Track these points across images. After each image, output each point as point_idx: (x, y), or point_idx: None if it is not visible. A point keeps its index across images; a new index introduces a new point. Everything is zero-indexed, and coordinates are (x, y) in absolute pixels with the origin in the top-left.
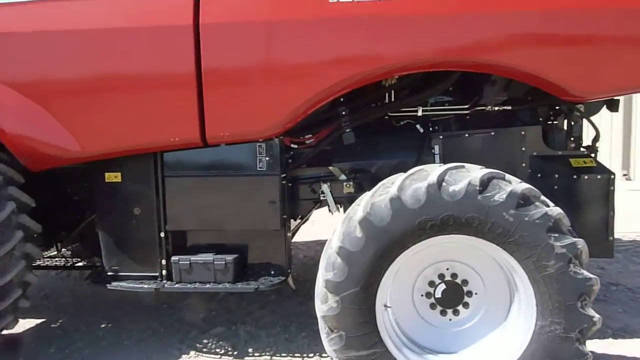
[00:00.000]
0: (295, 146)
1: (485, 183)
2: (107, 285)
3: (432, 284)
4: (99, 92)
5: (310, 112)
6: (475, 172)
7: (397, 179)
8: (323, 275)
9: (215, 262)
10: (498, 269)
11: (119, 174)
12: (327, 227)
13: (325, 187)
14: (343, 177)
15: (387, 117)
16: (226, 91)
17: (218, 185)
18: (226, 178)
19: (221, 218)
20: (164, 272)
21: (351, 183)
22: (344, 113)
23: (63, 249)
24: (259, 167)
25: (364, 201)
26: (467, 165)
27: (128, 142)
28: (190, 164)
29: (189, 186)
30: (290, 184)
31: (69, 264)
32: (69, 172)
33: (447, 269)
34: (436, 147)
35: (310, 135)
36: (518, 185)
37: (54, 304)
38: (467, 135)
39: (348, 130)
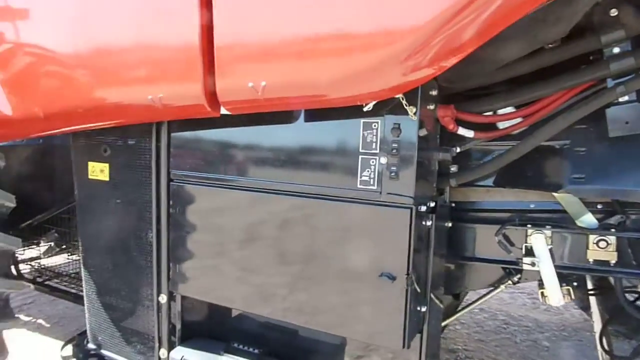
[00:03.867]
0: (470, 134)
1: None
2: None
3: None
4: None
5: (502, 29)
6: None
7: None
8: None
9: None
10: None
11: (107, 166)
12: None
13: (538, 240)
14: (589, 219)
15: None
16: None
17: (262, 213)
18: (281, 199)
19: (270, 292)
20: None
21: (613, 239)
22: (616, 50)
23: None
24: (361, 183)
25: None
26: None
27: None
28: (216, 161)
29: (216, 209)
30: (447, 224)
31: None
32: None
33: None
34: None
35: (511, 111)
36: None
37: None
38: None
39: (625, 98)
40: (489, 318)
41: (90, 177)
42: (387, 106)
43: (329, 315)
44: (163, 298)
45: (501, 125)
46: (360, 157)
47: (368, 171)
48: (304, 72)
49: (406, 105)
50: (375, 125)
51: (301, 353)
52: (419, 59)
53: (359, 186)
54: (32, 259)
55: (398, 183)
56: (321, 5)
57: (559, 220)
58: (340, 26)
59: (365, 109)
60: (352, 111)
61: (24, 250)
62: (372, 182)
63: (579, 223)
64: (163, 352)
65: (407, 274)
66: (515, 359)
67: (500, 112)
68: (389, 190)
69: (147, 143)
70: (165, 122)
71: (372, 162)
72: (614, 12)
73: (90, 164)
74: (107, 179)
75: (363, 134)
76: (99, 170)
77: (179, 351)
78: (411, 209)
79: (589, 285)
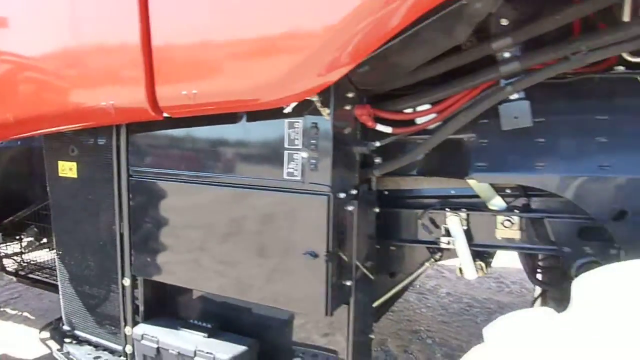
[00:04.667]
0: (388, 130)
1: None
2: (58, 348)
3: None
4: None
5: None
6: None
7: None
8: None
9: (198, 356)
10: None
11: (74, 165)
12: None
13: (453, 222)
14: (498, 202)
15: (615, 64)
16: None
17: (207, 203)
18: (222, 190)
19: (215, 271)
20: (127, 348)
21: (516, 219)
22: (507, 55)
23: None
24: (287, 175)
25: None
26: None
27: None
28: (167, 157)
29: (165, 202)
30: (374, 209)
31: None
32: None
33: None
34: None
35: (427, 107)
36: None
37: None
38: None
39: (517, 95)
40: (454, 301)
41: (60, 174)
42: (307, 108)
43: (265, 288)
44: (127, 281)
45: (420, 120)
46: (286, 152)
47: (292, 164)
48: (227, 81)
49: (320, 107)
50: (297, 125)
51: (251, 326)
52: (323, 65)
53: (285, 177)
54: (15, 254)
55: (317, 174)
56: (237, 24)
57: (474, 204)
58: (253, 40)
59: (285, 111)
60: (279, 112)
61: (6, 245)
62: (296, 174)
63: (490, 206)
64: (128, 330)
65: (327, 252)
66: (474, 338)
67: (419, 109)
68: (310, 180)
69: (109, 143)
70: (124, 124)
71: (296, 156)
72: (504, 22)
73: (60, 163)
74: (75, 176)
75: (288, 132)
76: (68, 169)
77: (141, 328)
78: (329, 195)
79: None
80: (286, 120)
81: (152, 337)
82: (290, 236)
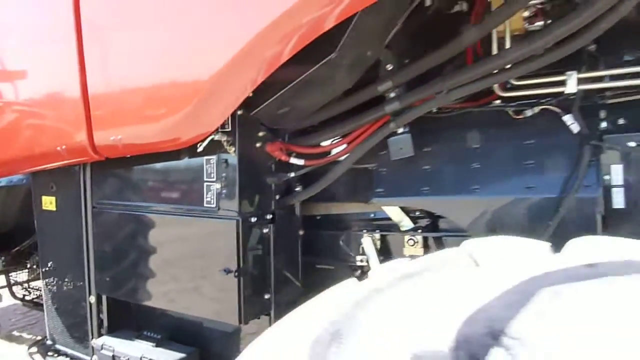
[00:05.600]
0: (301, 162)
1: None
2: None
3: None
4: None
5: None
6: None
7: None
8: None
9: None
10: None
11: (54, 199)
12: None
13: (366, 242)
14: (407, 223)
15: (496, 99)
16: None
17: (150, 229)
18: (159, 217)
19: (156, 287)
20: (94, 358)
21: (419, 238)
22: (392, 95)
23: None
24: (206, 203)
25: None
26: None
27: None
28: (120, 191)
29: (119, 228)
30: (299, 232)
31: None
32: None
33: None
34: (614, 170)
35: (338, 139)
36: None
37: None
38: None
39: (402, 130)
40: None
41: (43, 208)
42: (219, 147)
43: (196, 301)
44: (92, 299)
45: (335, 151)
46: (205, 183)
47: (210, 194)
48: (138, 129)
49: (227, 146)
50: (212, 161)
51: (198, 337)
52: (211, 109)
53: (205, 205)
54: (24, 282)
55: (228, 202)
56: (143, 84)
57: (389, 225)
58: (153, 96)
59: (198, 150)
60: (202, 152)
61: (16, 274)
62: (212, 202)
63: (401, 227)
64: (94, 342)
65: (237, 268)
66: None
67: (334, 142)
68: (223, 207)
69: (78, 179)
70: (89, 163)
71: (212, 187)
72: (389, 67)
73: (44, 198)
74: (54, 209)
75: (206, 167)
76: (49, 202)
77: (102, 339)
78: (237, 220)
79: None
80: (204, 158)
81: (109, 346)
82: (211, 255)
